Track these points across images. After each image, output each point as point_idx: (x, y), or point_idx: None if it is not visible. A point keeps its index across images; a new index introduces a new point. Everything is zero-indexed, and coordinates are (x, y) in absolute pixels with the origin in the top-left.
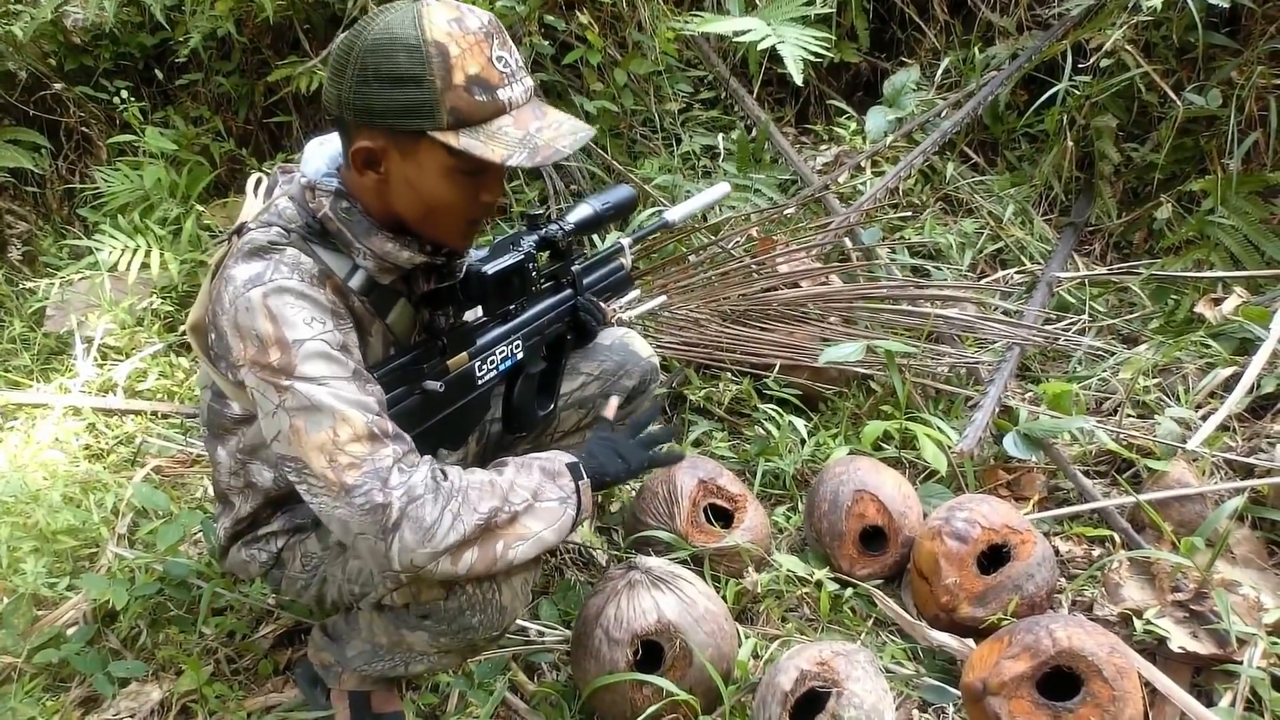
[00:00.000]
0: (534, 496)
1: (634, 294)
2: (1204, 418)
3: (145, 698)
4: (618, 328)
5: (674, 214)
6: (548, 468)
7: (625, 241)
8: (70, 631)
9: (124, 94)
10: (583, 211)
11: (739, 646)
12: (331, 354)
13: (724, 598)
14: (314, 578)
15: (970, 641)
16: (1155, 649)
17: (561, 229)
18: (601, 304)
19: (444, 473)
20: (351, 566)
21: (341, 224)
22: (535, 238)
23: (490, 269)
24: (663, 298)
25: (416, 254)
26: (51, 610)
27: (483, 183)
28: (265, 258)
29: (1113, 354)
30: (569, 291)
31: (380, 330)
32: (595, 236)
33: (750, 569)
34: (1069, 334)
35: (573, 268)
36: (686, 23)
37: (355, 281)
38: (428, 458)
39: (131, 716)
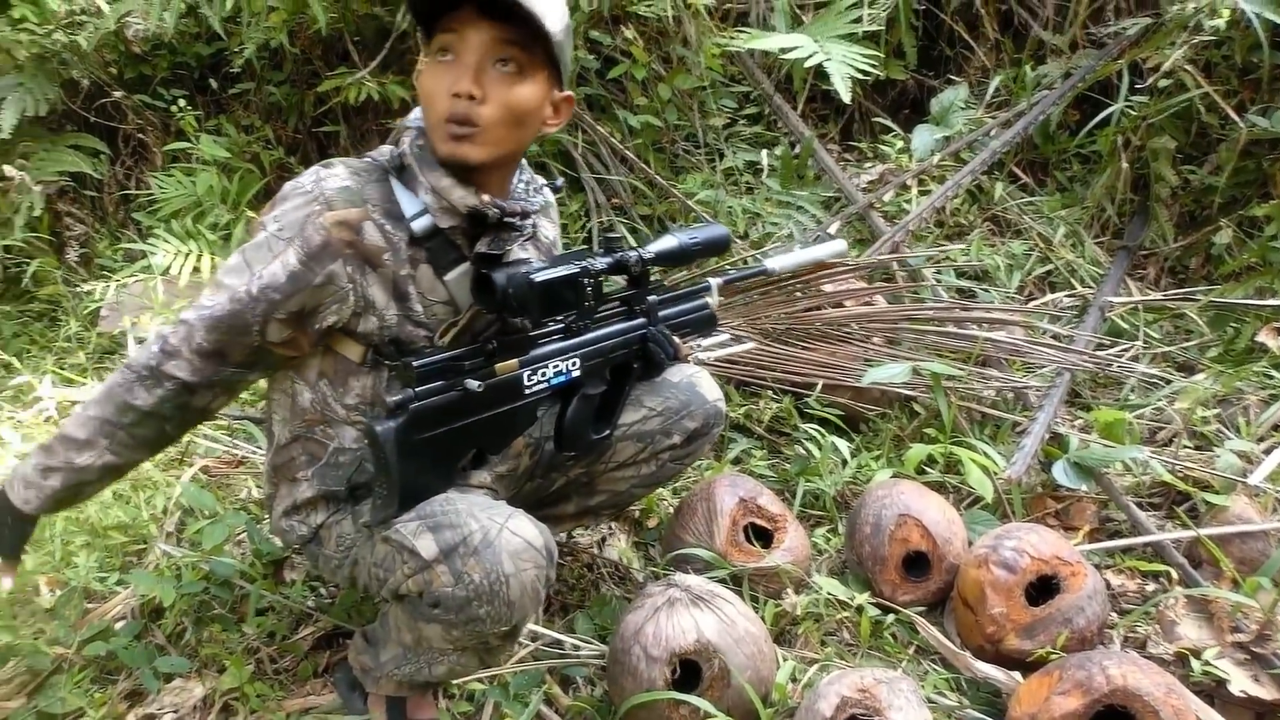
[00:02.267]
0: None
1: (722, 337)
2: (1266, 451)
3: (189, 694)
4: (688, 365)
5: (776, 263)
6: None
7: (714, 282)
8: (118, 625)
9: (180, 102)
10: (666, 243)
11: (777, 669)
12: (266, 254)
13: (762, 618)
14: (346, 559)
15: (1017, 675)
16: (1213, 691)
17: (640, 256)
18: (676, 339)
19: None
20: (379, 550)
21: (413, 158)
22: (609, 261)
23: (538, 276)
24: (750, 344)
25: (469, 195)
26: (101, 604)
27: (452, 70)
28: (325, 167)
29: (1169, 382)
30: (641, 320)
31: (428, 276)
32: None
33: (790, 590)
34: (1122, 360)
35: (648, 297)
36: (732, 39)
37: (419, 224)
38: (179, 366)
39: (175, 712)
